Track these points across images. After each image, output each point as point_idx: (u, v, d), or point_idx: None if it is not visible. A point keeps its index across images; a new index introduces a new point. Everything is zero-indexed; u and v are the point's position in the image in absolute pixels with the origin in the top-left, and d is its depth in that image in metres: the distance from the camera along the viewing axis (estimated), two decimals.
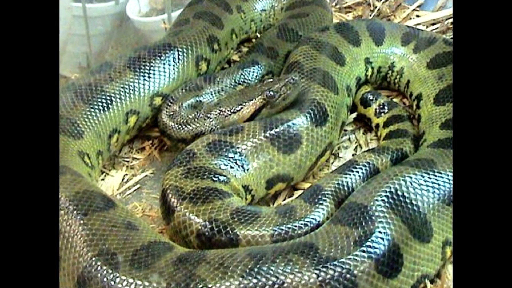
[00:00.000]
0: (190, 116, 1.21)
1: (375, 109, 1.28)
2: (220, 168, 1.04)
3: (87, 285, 0.81)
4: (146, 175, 1.24)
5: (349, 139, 1.29)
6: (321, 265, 0.79)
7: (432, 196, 0.91)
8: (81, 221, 0.87)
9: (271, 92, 1.14)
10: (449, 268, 0.94)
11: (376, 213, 0.87)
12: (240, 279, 0.77)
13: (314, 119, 1.12)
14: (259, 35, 1.58)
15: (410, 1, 1.69)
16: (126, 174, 1.25)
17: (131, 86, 1.23)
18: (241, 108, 1.17)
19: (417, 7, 1.67)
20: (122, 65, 1.25)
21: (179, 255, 0.83)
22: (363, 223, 0.85)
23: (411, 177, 0.93)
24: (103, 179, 1.24)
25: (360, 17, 1.67)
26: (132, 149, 1.32)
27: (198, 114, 1.20)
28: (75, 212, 0.88)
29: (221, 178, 1.02)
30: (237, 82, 1.32)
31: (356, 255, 0.81)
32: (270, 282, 0.77)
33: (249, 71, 1.35)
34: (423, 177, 0.93)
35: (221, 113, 1.18)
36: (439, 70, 1.25)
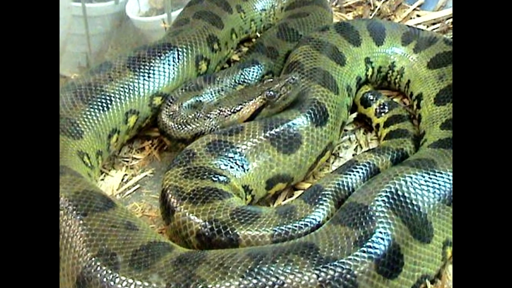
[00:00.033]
0: (190, 116, 1.21)
1: (376, 109, 1.28)
2: (220, 168, 1.04)
3: (87, 286, 0.80)
4: (146, 175, 1.24)
5: (349, 139, 1.29)
6: (321, 266, 0.79)
7: (433, 196, 0.91)
8: (81, 221, 0.87)
9: (271, 92, 1.13)
10: (450, 268, 0.94)
11: (377, 213, 0.87)
12: (240, 279, 0.77)
13: (314, 119, 1.11)
14: (259, 35, 1.58)
15: (410, 1, 1.69)
16: (126, 174, 1.25)
17: (130, 86, 1.23)
18: (241, 108, 1.17)
19: (418, 6, 1.67)
20: (122, 65, 1.25)
21: (179, 255, 0.83)
22: (364, 223, 0.85)
23: (411, 177, 0.93)
24: (102, 179, 1.24)
25: (360, 16, 1.67)
26: (131, 149, 1.32)
27: (198, 114, 1.20)
28: (74, 212, 0.88)
29: (221, 178, 1.02)
30: (237, 82, 1.32)
31: (356, 255, 0.81)
32: (270, 283, 0.77)
33: (249, 71, 1.34)
34: (424, 177, 0.93)
35: (221, 113, 1.18)
36: (439, 70, 1.25)
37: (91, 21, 1.75)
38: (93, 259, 0.81)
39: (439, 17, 1.61)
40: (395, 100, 1.36)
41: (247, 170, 1.06)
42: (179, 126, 1.20)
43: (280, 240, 0.91)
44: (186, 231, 0.94)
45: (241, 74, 1.33)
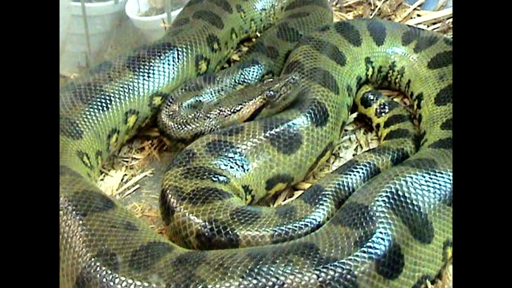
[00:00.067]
0: (190, 116, 1.20)
1: (376, 109, 1.28)
2: (220, 168, 1.04)
3: (86, 286, 0.80)
4: (146, 175, 1.24)
5: (349, 139, 1.28)
6: (321, 266, 0.79)
7: (433, 196, 0.91)
8: (80, 222, 0.87)
9: (271, 92, 1.13)
10: (450, 268, 0.94)
11: (377, 214, 0.86)
12: (240, 279, 0.77)
13: (315, 119, 1.11)
14: (259, 35, 1.58)
15: (411, 0, 1.69)
16: (126, 174, 1.25)
17: (130, 85, 1.22)
18: (241, 108, 1.16)
19: (418, 6, 1.67)
20: (122, 65, 1.25)
21: (178, 255, 0.83)
22: (364, 224, 0.85)
23: (412, 177, 0.92)
24: (102, 179, 1.24)
25: (360, 16, 1.67)
26: (131, 149, 1.32)
27: (198, 114, 1.20)
28: (74, 212, 0.88)
29: (221, 178, 1.02)
30: (237, 81, 1.32)
31: (357, 255, 0.81)
32: (270, 283, 0.77)
33: (249, 70, 1.34)
34: (424, 177, 0.93)
35: (221, 113, 1.18)
36: (440, 70, 1.25)
37: (90, 20, 1.74)
38: (92, 259, 0.81)
39: (440, 16, 1.61)
40: (395, 100, 1.36)
41: (247, 170, 1.06)
42: (179, 126, 1.20)
43: (280, 241, 0.91)
44: (186, 231, 0.94)
45: (241, 74, 1.33)
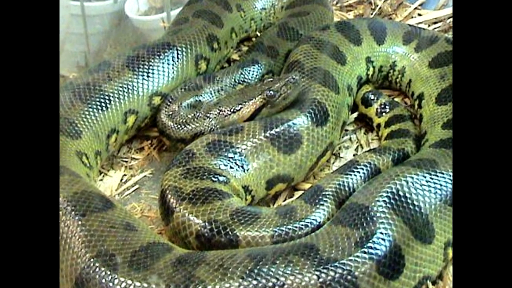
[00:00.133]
0: (190, 116, 1.20)
1: (377, 108, 1.27)
2: (219, 168, 1.03)
3: (85, 287, 0.80)
4: (145, 176, 1.24)
5: (350, 139, 1.28)
6: (321, 267, 0.78)
7: (434, 196, 0.91)
8: (79, 222, 0.86)
9: (271, 92, 1.13)
10: (451, 269, 0.93)
11: (378, 214, 0.86)
12: (240, 280, 0.77)
13: (315, 118, 1.11)
14: (259, 34, 1.57)
15: (411, 0, 1.68)
16: (125, 175, 1.24)
17: (129, 85, 1.22)
18: (241, 107, 1.16)
19: (419, 5, 1.66)
20: (121, 64, 1.24)
21: (178, 256, 0.82)
22: (364, 224, 0.85)
23: (412, 178, 0.92)
24: (101, 180, 1.23)
25: (361, 15, 1.66)
26: (130, 149, 1.31)
27: (198, 114, 1.20)
28: (73, 212, 0.88)
29: (221, 178, 1.02)
30: (237, 81, 1.31)
31: (357, 256, 0.80)
32: (270, 284, 0.76)
33: (249, 70, 1.34)
34: (425, 177, 0.92)
35: (220, 112, 1.17)
36: (441, 69, 1.25)
37: (89, 20, 1.74)
38: (91, 260, 0.81)
39: (441, 16, 1.60)
40: (396, 99, 1.35)
41: (247, 170, 1.05)
42: (179, 126, 1.20)
43: (280, 241, 0.91)
44: (185, 231, 0.93)
45: (241, 73, 1.32)
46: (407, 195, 0.89)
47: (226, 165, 1.04)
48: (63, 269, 0.83)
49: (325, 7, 1.52)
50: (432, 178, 0.92)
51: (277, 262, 0.79)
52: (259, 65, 1.35)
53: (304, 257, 0.79)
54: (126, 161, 1.28)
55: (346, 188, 1.02)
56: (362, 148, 1.26)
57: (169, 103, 1.24)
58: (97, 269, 0.80)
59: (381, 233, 0.83)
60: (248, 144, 1.06)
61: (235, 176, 1.04)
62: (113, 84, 1.20)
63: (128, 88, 1.22)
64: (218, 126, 1.17)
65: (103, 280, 0.79)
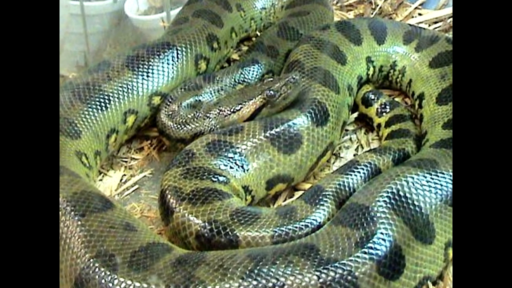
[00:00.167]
0: (189, 116, 1.20)
1: (377, 108, 1.27)
2: (219, 168, 1.03)
3: (85, 287, 0.80)
4: (145, 176, 1.23)
5: (350, 139, 1.28)
6: (321, 267, 0.78)
7: (435, 197, 0.91)
8: (79, 222, 0.86)
9: (271, 92, 1.12)
10: (452, 269, 0.93)
11: (378, 214, 0.86)
12: (240, 281, 0.76)
13: (315, 118, 1.11)
14: (259, 34, 1.57)
15: None
16: (125, 175, 1.24)
17: (129, 85, 1.22)
18: (241, 107, 1.16)
19: (419, 5, 1.66)
20: (120, 64, 1.24)
21: (178, 256, 0.82)
22: (365, 224, 0.85)
23: (413, 178, 0.92)
24: (101, 180, 1.23)
25: (361, 15, 1.66)
26: (130, 149, 1.31)
27: (198, 114, 1.19)
28: (72, 213, 0.88)
29: (221, 178, 1.01)
30: (237, 81, 1.31)
31: (357, 256, 0.80)
32: (270, 284, 0.76)
33: (249, 70, 1.33)
34: (425, 177, 0.92)
35: (220, 112, 1.17)
36: (441, 69, 1.24)
37: (89, 19, 1.73)
38: (91, 260, 0.81)
39: (441, 15, 1.60)
40: (396, 99, 1.35)
41: (247, 170, 1.05)
42: (178, 126, 1.19)
43: (280, 241, 0.90)
44: (185, 232, 0.93)
45: (241, 73, 1.32)
46: (408, 195, 0.89)
47: (226, 165, 1.04)
48: (62, 270, 0.83)
49: (325, 6, 1.52)
50: (432, 178, 0.92)
51: (277, 262, 0.78)
52: (259, 65, 1.35)
53: (304, 258, 0.79)
54: (126, 161, 1.28)
55: (347, 188, 1.02)
56: (363, 148, 1.26)
57: (169, 103, 1.24)
58: (97, 270, 0.80)
59: (382, 233, 0.83)
60: (248, 144, 1.06)
61: (235, 176, 1.04)
62: (112, 84, 1.20)
63: (128, 88, 1.21)
64: (218, 126, 1.17)
65: (103, 281, 0.78)
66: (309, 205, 0.98)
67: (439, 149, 1.02)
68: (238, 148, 1.06)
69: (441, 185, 0.92)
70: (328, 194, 1.00)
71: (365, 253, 0.80)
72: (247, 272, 0.77)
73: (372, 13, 1.66)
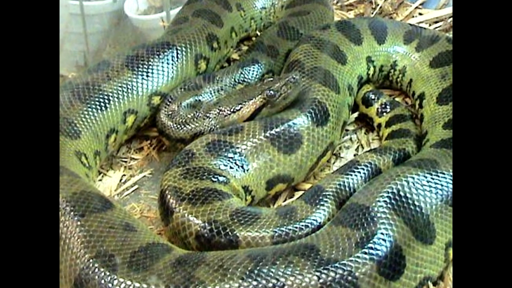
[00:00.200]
0: (189, 116, 1.19)
1: (377, 108, 1.27)
2: (219, 168, 1.03)
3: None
4: (145, 176, 1.23)
5: (350, 139, 1.27)
6: (322, 267, 0.78)
7: (435, 197, 0.90)
8: (78, 223, 0.86)
9: (272, 91, 1.12)
10: (452, 270, 0.93)
11: (378, 214, 0.86)
12: (240, 281, 0.76)
13: (315, 118, 1.10)
14: (259, 34, 1.57)
15: None
16: (124, 175, 1.24)
17: (129, 85, 1.21)
18: (241, 107, 1.16)
19: (420, 5, 1.66)
20: (120, 64, 1.24)
21: (178, 257, 0.82)
22: (365, 225, 0.84)
23: (413, 178, 0.92)
24: (100, 180, 1.23)
25: (361, 15, 1.66)
26: (130, 149, 1.31)
27: (197, 114, 1.19)
28: (72, 213, 0.88)
29: (221, 178, 1.01)
30: (237, 81, 1.31)
31: (358, 257, 0.80)
32: (270, 285, 0.76)
33: (249, 70, 1.33)
34: (426, 177, 0.92)
35: (220, 112, 1.17)
36: (442, 69, 1.24)
37: (89, 19, 1.73)
38: (91, 260, 0.81)
39: (442, 15, 1.60)
40: (397, 99, 1.34)
41: (247, 170, 1.05)
42: (178, 126, 1.19)
43: (280, 242, 0.90)
44: (185, 232, 0.93)
45: (241, 73, 1.32)
46: (408, 195, 0.89)
47: (226, 165, 1.03)
48: (62, 270, 0.83)
49: (325, 6, 1.51)
50: (433, 178, 0.92)
51: (277, 262, 0.78)
52: (259, 64, 1.34)
53: (304, 258, 0.79)
54: (126, 161, 1.28)
55: (347, 189, 1.02)
56: (363, 148, 1.25)
57: (168, 103, 1.24)
58: (96, 270, 0.79)
59: (382, 233, 0.83)
60: (248, 144, 1.06)
61: (235, 176, 1.04)
62: (112, 84, 1.20)
63: (128, 88, 1.21)
64: (218, 126, 1.16)
65: (102, 281, 0.78)
66: (309, 205, 0.98)
67: (439, 149, 1.02)
68: (238, 148, 1.05)
69: (442, 185, 0.92)
70: (328, 194, 1.00)
71: (365, 253, 0.80)
72: (247, 273, 0.77)
73: (372, 13, 1.66)
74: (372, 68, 1.33)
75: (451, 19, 1.57)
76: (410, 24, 1.40)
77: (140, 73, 1.23)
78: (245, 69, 1.33)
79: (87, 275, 0.80)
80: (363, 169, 1.06)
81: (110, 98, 1.19)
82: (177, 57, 1.28)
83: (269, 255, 0.80)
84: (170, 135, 1.20)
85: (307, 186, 1.14)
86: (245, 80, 1.32)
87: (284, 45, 1.39)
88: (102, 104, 1.18)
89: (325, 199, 0.99)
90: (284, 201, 1.13)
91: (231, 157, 1.04)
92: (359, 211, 0.87)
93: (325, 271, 0.77)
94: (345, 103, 1.21)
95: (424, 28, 1.39)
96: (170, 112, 1.22)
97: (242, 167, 1.04)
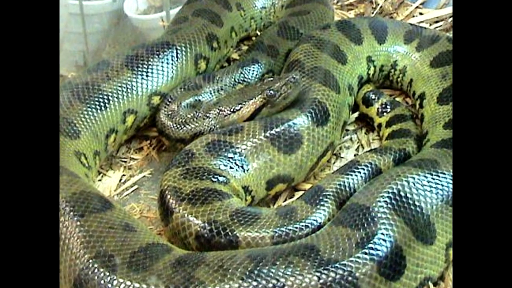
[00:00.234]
0: (189, 116, 1.19)
1: (378, 108, 1.27)
2: (219, 168, 1.03)
3: None
4: (144, 176, 1.23)
5: (351, 139, 1.27)
6: (322, 268, 0.78)
7: (436, 197, 0.90)
8: (78, 223, 0.86)
9: (272, 91, 1.12)
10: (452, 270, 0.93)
11: (379, 215, 0.86)
12: (240, 281, 0.76)
13: (315, 118, 1.10)
14: (259, 33, 1.57)
15: None
16: (124, 175, 1.24)
17: (128, 85, 1.21)
18: (241, 107, 1.15)
19: (420, 4, 1.66)
20: (120, 64, 1.23)
21: (177, 257, 0.82)
22: (365, 225, 0.84)
23: (414, 178, 0.91)
24: (100, 180, 1.23)
25: (362, 14, 1.65)
26: (129, 149, 1.31)
27: (197, 114, 1.19)
28: (71, 213, 0.87)
29: (221, 178, 1.01)
30: (237, 81, 1.31)
31: (358, 257, 0.80)
32: (270, 285, 0.76)
33: (249, 69, 1.33)
34: (426, 177, 0.92)
35: (220, 112, 1.17)
36: (442, 69, 1.24)
37: (88, 19, 1.73)
38: (90, 261, 0.80)
39: (442, 15, 1.59)
40: (397, 99, 1.34)
41: (247, 170, 1.05)
42: (178, 126, 1.19)
43: (280, 242, 0.90)
44: (185, 232, 0.93)
45: (241, 73, 1.32)
46: (408, 195, 0.89)
47: (226, 165, 1.03)
48: (61, 270, 0.83)
49: (325, 6, 1.51)
50: (433, 179, 0.92)
51: (277, 263, 0.78)
52: (259, 64, 1.34)
53: (304, 258, 0.79)
54: (125, 161, 1.27)
55: (347, 189, 1.02)
56: (363, 148, 1.25)
57: (168, 103, 1.24)
58: (96, 270, 0.79)
59: (382, 233, 0.83)
60: (248, 144, 1.06)
61: (235, 176, 1.03)
62: (112, 84, 1.20)
63: (127, 88, 1.21)
64: (217, 126, 1.16)
65: (102, 281, 0.78)
66: (310, 205, 0.98)
67: (440, 149, 1.02)
68: (238, 148, 1.05)
69: (442, 185, 0.91)
70: (329, 195, 1.00)
71: (365, 253, 0.80)
72: (247, 273, 0.77)
73: (372, 12, 1.65)
74: (372, 68, 1.33)
75: (452, 18, 1.57)
76: (411, 24, 1.40)
77: (139, 73, 1.23)
78: (245, 69, 1.32)
79: (87, 275, 0.79)
80: (364, 169, 1.06)
81: (110, 98, 1.18)
82: (177, 56, 1.27)
83: (269, 255, 0.80)
84: (170, 135, 1.20)
85: (307, 186, 1.14)
86: (245, 80, 1.31)
87: (284, 44, 1.39)
88: (101, 104, 1.17)
89: (325, 199, 0.99)
90: (284, 201, 1.13)
91: (231, 157, 1.04)
92: (359, 211, 0.87)
93: (325, 272, 0.77)
94: (345, 103, 1.20)
95: (425, 28, 1.38)
96: (170, 112, 1.21)
97: (242, 167, 1.04)
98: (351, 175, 1.04)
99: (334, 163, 1.21)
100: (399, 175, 0.93)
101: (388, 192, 0.89)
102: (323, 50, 1.25)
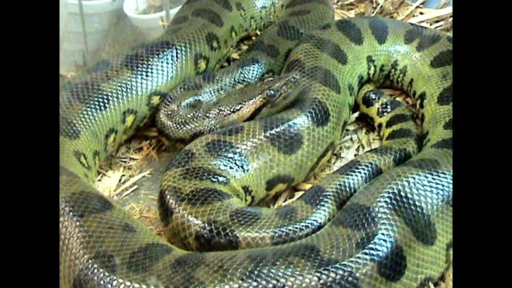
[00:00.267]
0: (189, 116, 1.19)
1: (378, 108, 1.26)
2: (219, 168, 1.03)
3: None
4: (144, 176, 1.23)
5: (351, 139, 1.27)
6: (322, 268, 0.78)
7: (436, 197, 0.90)
8: (78, 223, 0.86)
9: (272, 91, 1.12)
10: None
11: (379, 215, 0.85)
12: (240, 282, 0.76)
13: (316, 118, 1.10)
14: (259, 33, 1.56)
15: None
16: (123, 175, 1.23)
17: (128, 84, 1.21)
18: (241, 107, 1.15)
19: (421, 4, 1.65)
20: (119, 64, 1.23)
21: (177, 257, 0.82)
22: (366, 225, 0.84)
23: (414, 178, 0.91)
24: (99, 180, 1.23)
25: (362, 14, 1.65)
26: (129, 149, 1.31)
27: (197, 114, 1.19)
28: (71, 213, 0.87)
29: (221, 178, 1.01)
30: (237, 80, 1.30)
31: (358, 257, 0.80)
32: (270, 285, 0.76)
33: (249, 69, 1.33)
34: (427, 177, 0.92)
35: (220, 112, 1.17)
36: (443, 69, 1.24)
37: (88, 18, 1.73)
38: (90, 261, 0.80)
39: (443, 14, 1.59)
40: (397, 99, 1.34)
41: (247, 170, 1.04)
42: (178, 126, 1.19)
43: (280, 242, 0.90)
44: (184, 232, 0.93)
45: (241, 72, 1.31)
46: (409, 195, 0.89)
47: (226, 165, 1.03)
48: (61, 271, 0.83)
49: (326, 5, 1.51)
50: (434, 179, 0.92)
51: (277, 263, 0.78)
52: (259, 64, 1.34)
53: (304, 258, 0.79)
54: (125, 161, 1.27)
55: (347, 189, 1.02)
56: (363, 148, 1.25)
57: (168, 103, 1.23)
58: (96, 271, 0.79)
59: (383, 234, 0.83)
60: (248, 144, 1.06)
61: (235, 176, 1.03)
62: (111, 84, 1.20)
63: (127, 88, 1.21)
64: (217, 126, 1.16)
65: (102, 282, 0.78)
66: (310, 205, 0.97)
67: (440, 149, 1.01)
68: (238, 148, 1.05)
69: (443, 185, 0.91)
70: (329, 195, 1.00)
71: (366, 254, 0.80)
72: (247, 273, 0.77)
73: (373, 12, 1.65)
74: (372, 68, 1.33)
75: (452, 18, 1.57)
76: (411, 24, 1.40)
77: (139, 72, 1.23)
78: (245, 69, 1.32)
79: (86, 275, 0.79)
80: (364, 169, 1.06)
81: (109, 98, 1.18)
82: (177, 56, 1.27)
83: (269, 255, 0.80)
84: (170, 135, 1.20)
85: (307, 186, 1.14)
86: (245, 79, 1.31)
87: (284, 44, 1.39)
88: (101, 104, 1.17)
89: (325, 200, 0.99)
90: (284, 201, 1.13)
91: (231, 157, 1.04)
92: (359, 212, 0.87)
93: (326, 272, 0.77)
94: (345, 103, 1.20)
95: (425, 28, 1.38)
96: (170, 112, 1.21)
97: (242, 167, 1.04)
98: (351, 175, 1.04)
99: (334, 163, 1.21)
100: (399, 175, 0.92)
101: (389, 192, 0.89)
102: (323, 50, 1.25)
